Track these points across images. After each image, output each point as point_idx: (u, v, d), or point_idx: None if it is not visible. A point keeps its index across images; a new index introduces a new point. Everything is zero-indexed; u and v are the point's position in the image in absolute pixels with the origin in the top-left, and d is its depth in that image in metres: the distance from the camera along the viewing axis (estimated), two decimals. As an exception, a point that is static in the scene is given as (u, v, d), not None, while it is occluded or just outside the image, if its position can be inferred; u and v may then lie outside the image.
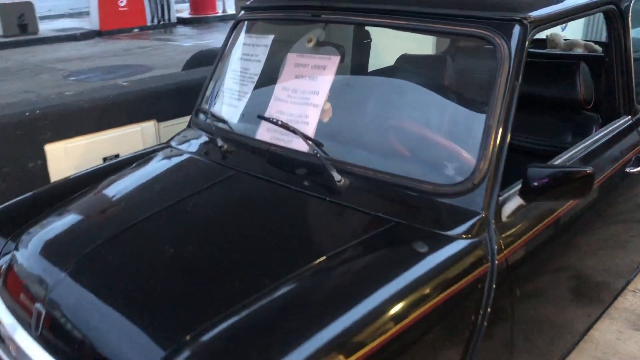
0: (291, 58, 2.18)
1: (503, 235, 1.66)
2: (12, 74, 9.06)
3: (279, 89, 2.16)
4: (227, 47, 2.50)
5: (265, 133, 2.12)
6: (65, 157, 3.03)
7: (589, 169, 1.65)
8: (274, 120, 2.02)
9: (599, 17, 5.01)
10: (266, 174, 1.97)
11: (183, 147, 2.34)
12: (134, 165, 2.28)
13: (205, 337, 1.31)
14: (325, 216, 1.81)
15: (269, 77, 2.24)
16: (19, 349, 1.60)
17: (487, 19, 1.77)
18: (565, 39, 3.43)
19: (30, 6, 12.42)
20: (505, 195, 1.72)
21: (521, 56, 1.72)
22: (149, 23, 13.81)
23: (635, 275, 2.72)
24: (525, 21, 1.75)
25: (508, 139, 1.69)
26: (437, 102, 2.04)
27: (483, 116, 1.71)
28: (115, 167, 2.32)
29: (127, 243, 1.73)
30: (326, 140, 1.93)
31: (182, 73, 4.17)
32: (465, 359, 1.54)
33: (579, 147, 2.11)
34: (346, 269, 1.55)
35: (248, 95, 2.28)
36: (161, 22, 14.05)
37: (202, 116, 2.43)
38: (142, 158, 2.34)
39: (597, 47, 3.30)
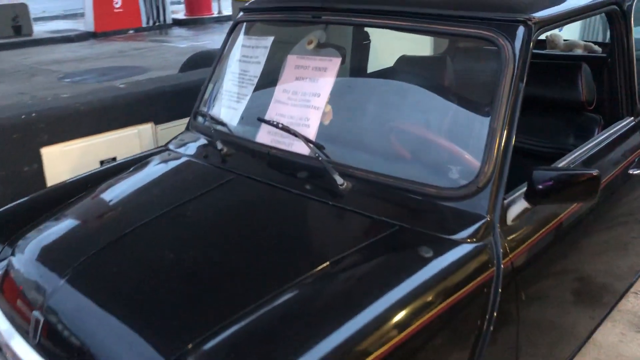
0: (291, 60, 2.16)
1: (508, 239, 1.64)
2: (7, 75, 9.01)
3: (279, 91, 2.14)
4: (226, 48, 2.48)
5: (265, 136, 2.09)
6: (62, 161, 3.00)
7: (594, 172, 1.63)
8: (275, 123, 2.00)
9: (596, 18, 5.01)
10: (267, 178, 1.95)
11: (182, 150, 2.32)
12: (132, 169, 2.25)
13: (208, 346, 1.28)
14: (328, 220, 1.78)
15: (268, 79, 2.21)
16: (15, 357, 1.57)
17: (490, 20, 1.76)
18: (564, 40, 3.42)
19: (24, 7, 12.39)
20: (510, 198, 1.70)
21: (526, 57, 1.71)
22: (144, 24, 13.77)
23: (638, 277, 2.70)
24: (529, 22, 1.74)
25: (513, 142, 1.67)
26: (440, 104, 2.02)
27: (487, 118, 1.69)
28: (112, 171, 2.29)
29: (127, 248, 1.70)
30: (327, 143, 1.90)
31: (179, 75, 4.15)
32: (471, 364, 1.52)
33: (582, 149, 2.09)
34: (350, 275, 1.53)
35: (248, 98, 2.26)
36: (156, 24, 14.02)
37: (200, 119, 2.41)
38: (140, 161, 2.31)
39: (597, 47, 3.30)
